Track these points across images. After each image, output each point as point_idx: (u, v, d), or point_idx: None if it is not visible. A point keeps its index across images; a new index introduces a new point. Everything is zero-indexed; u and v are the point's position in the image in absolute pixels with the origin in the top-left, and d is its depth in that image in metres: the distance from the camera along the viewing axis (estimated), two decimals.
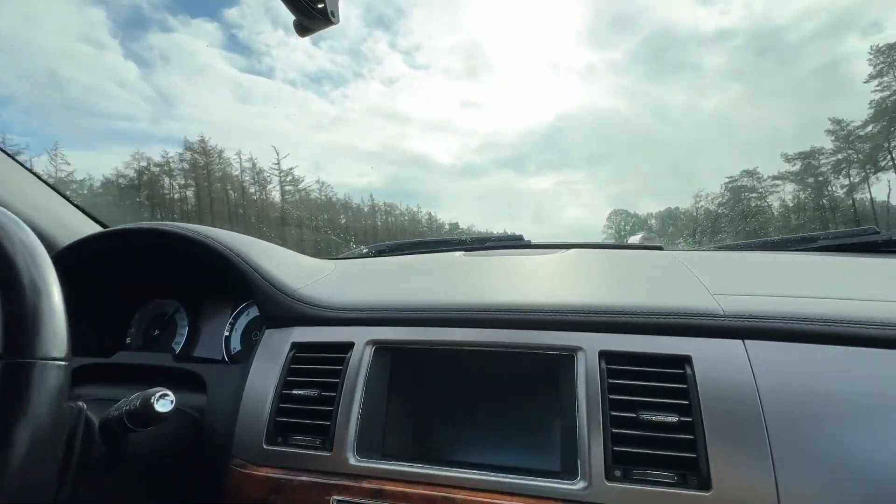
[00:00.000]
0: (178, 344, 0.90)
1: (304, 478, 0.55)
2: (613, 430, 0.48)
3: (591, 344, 0.54)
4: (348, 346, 0.62)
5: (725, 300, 0.56)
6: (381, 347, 0.61)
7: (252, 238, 0.88)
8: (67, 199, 1.02)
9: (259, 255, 0.76)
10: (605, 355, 0.53)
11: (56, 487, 0.42)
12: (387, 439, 0.58)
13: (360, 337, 0.62)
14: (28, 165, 0.96)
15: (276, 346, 0.66)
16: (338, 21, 0.60)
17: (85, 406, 0.47)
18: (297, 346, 0.65)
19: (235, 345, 0.88)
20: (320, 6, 0.58)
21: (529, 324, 0.58)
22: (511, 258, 0.93)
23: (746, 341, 0.50)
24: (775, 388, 0.46)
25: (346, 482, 0.53)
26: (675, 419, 0.47)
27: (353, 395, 0.57)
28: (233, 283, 0.73)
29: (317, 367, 0.62)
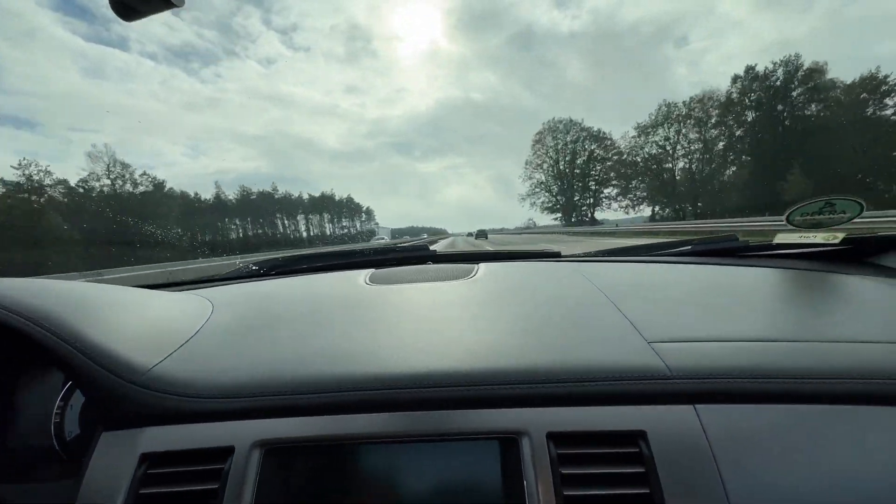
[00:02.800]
0: None
1: None
2: None
3: (537, 424, 0.46)
4: (226, 453, 0.46)
5: (667, 353, 0.52)
6: (274, 449, 0.47)
7: (80, 286, 0.64)
8: None
9: (85, 317, 0.55)
10: (553, 437, 0.45)
11: None
12: None
13: (244, 437, 0.47)
14: None
15: (117, 460, 0.47)
16: (182, 3, 0.42)
17: None
18: (148, 459, 0.47)
19: (72, 428, 0.64)
20: None
21: (460, 402, 0.48)
22: (422, 290, 0.82)
23: (697, 406, 0.46)
24: (734, 458, 0.43)
25: None
26: None
27: None
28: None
29: (180, 488, 0.45)
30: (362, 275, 0.96)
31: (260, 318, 0.72)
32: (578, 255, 1.15)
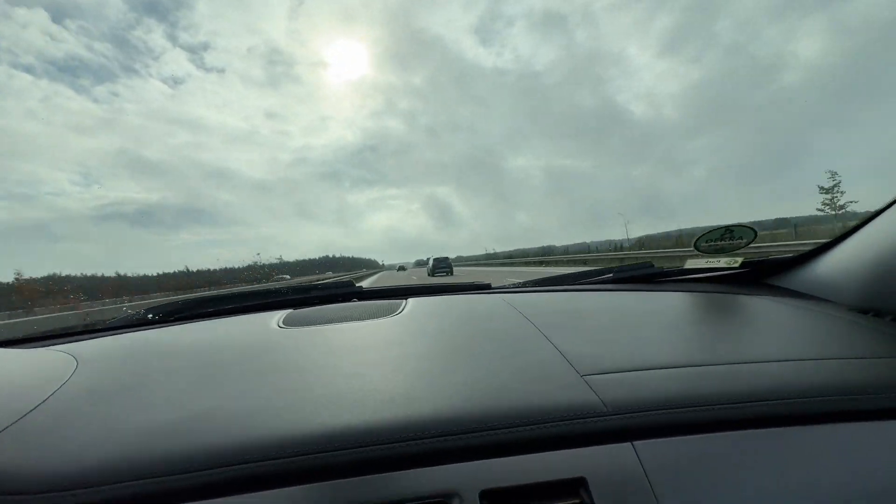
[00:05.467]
0: None
1: None
2: None
3: (469, 483, 0.40)
4: None
5: (600, 385, 0.50)
6: None
7: None
8: None
9: None
10: (486, 496, 0.40)
11: None
12: None
13: None
14: None
15: None
16: None
17: None
18: None
19: None
20: None
21: (382, 464, 0.41)
22: (343, 330, 0.75)
23: (636, 443, 0.44)
24: (674, 495, 0.40)
25: None
26: None
27: None
28: None
29: None
30: (276, 317, 0.86)
31: (137, 375, 0.59)
32: (508, 287, 1.14)
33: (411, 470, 0.41)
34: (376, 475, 0.40)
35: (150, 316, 1.01)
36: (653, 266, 1.16)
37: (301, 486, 0.39)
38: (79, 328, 0.96)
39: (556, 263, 31.07)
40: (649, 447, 0.43)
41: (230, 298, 1.12)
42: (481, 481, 0.40)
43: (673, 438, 0.44)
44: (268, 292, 1.15)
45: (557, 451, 0.43)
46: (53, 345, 0.77)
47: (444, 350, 0.63)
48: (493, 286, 1.14)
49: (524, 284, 1.18)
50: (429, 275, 27.68)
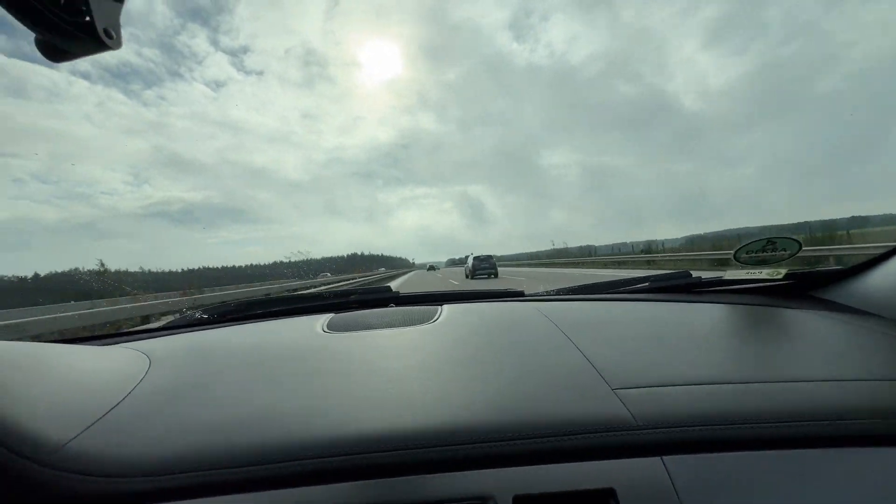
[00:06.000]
0: None
1: None
2: None
3: (503, 488, 0.43)
4: None
5: (632, 400, 0.51)
6: None
7: None
8: None
9: None
10: (519, 501, 0.42)
11: None
12: None
13: None
14: None
15: None
16: (118, 45, 0.39)
17: None
18: None
19: None
20: (85, 20, 0.37)
21: (420, 466, 0.45)
22: (382, 337, 0.79)
23: (664, 458, 0.45)
24: None
25: None
26: None
27: None
28: None
29: None
30: (320, 321, 0.91)
31: (201, 373, 0.65)
32: (541, 295, 1.16)
33: (448, 473, 0.44)
34: (416, 476, 0.44)
35: (206, 316, 1.10)
36: (690, 275, 1.15)
37: (350, 483, 0.44)
38: (144, 328, 1.05)
39: (597, 265, 27.35)
40: (679, 462, 0.44)
41: (277, 301, 1.20)
42: (515, 487, 0.43)
43: (705, 455, 0.45)
44: (312, 296, 1.22)
45: (587, 462, 0.45)
46: (124, 342, 0.85)
47: (479, 359, 0.66)
48: (525, 294, 1.16)
49: (557, 292, 1.19)
50: (467, 277, 22.25)
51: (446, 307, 0.98)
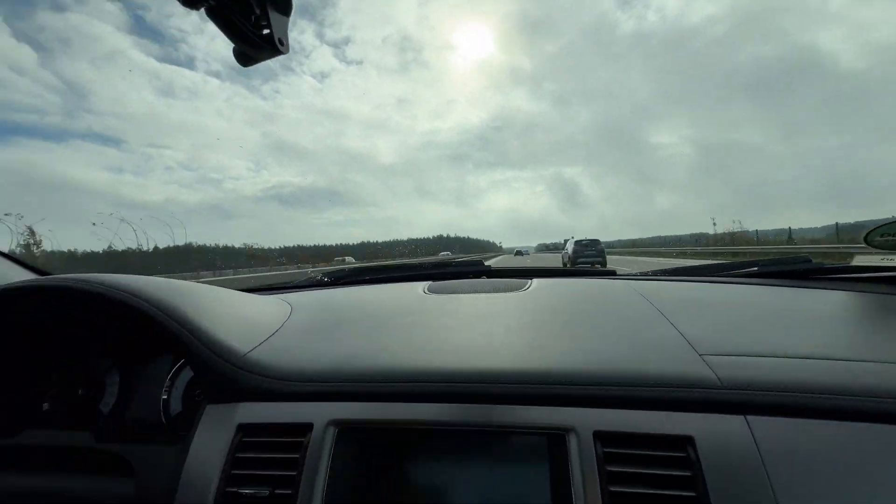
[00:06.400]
0: (107, 406, 0.77)
1: None
2: None
3: (584, 423, 0.49)
4: (306, 429, 0.53)
5: (719, 365, 0.53)
6: (346, 429, 0.53)
7: (192, 284, 0.77)
8: None
9: (196, 308, 0.65)
10: (600, 436, 0.48)
11: None
12: None
13: (321, 416, 0.54)
14: None
15: (219, 427, 0.56)
16: (287, 50, 0.51)
17: None
18: (243, 429, 0.55)
19: (176, 406, 0.75)
20: (265, 33, 0.49)
21: (509, 398, 0.52)
22: (477, 300, 0.87)
23: (749, 417, 0.47)
24: (786, 470, 0.43)
25: None
26: None
27: (312, 490, 0.49)
28: (167, 338, 0.62)
29: (268, 455, 0.53)
30: (420, 286, 1.03)
31: (332, 319, 0.80)
32: (636, 274, 1.15)
33: (537, 406, 0.51)
34: (508, 406, 0.52)
35: (327, 279, 1.29)
36: (810, 261, 1.04)
37: (450, 405, 0.53)
38: (282, 284, 1.27)
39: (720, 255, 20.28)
40: (764, 423, 0.46)
41: (383, 269, 1.35)
42: (596, 424, 0.48)
43: (794, 419, 0.46)
44: (411, 266, 1.35)
45: (669, 413, 0.48)
46: (273, 294, 1.06)
47: (567, 321, 0.71)
48: (618, 273, 1.16)
49: (654, 273, 1.17)
50: (566, 265, 15.93)
51: (536, 280, 1.04)
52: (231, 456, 0.53)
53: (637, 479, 0.45)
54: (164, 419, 0.75)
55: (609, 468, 0.46)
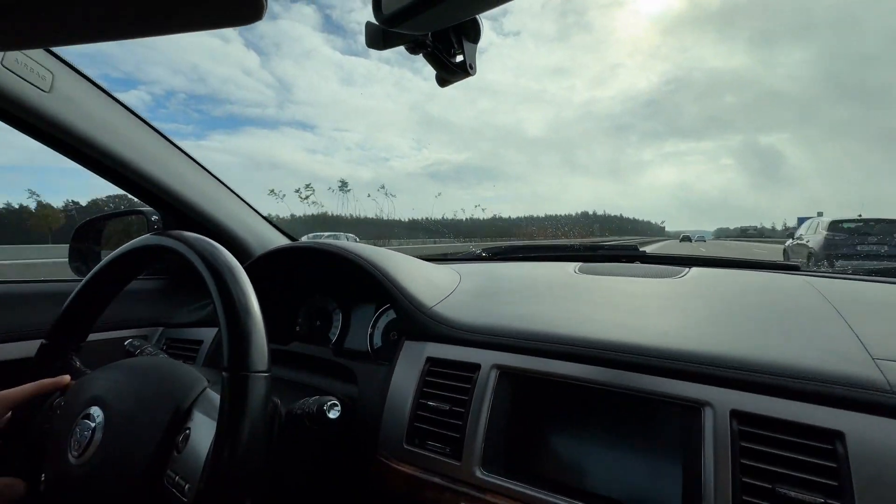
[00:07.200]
0: (334, 335, 1.08)
1: (436, 480, 0.65)
2: (744, 498, 0.47)
3: (721, 400, 0.53)
4: (475, 367, 0.70)
5: (893, 370, 0.49)
6: (505, 372, 0.68)
7: (391, 252, 1.01)
8: (259, 214, 1.33)
9: (398, 271, 0.88)
10: (736, 415, 0.51)
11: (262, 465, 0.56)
12: (509, 457, 0.65)
13: (487, 360, 0.69)
14: (230, 186, 1.23)
15: (414, 358, 0.77)
16: (475, 73, 0.65)
17: (279, 403, 0.62)
18: (431, 361, 0.74)
19: (377, 341, 1.02)
20: (458, 60, 0.63)
21: (650, 369, 0.59)
22: (626, 283, 0.91)
23: None
24: None
25: (473, 492, 0.61)
26: (820, 500, 0.44)
27: (479, 413, 0.65)
28: (376, 290, 0.86)
29: (448, 382, 0.71)
30: (572, 266, 1.11)
31: (493, 287, 0.96)
32: (824, 272, 1.01)
33: (670, 379, 0.56)
34: (649, 376, 0.58)
35: (485, 254, 1.46)
36: None
37: (592, 366, 0.62)
38: (453, 255, 1.50)
39: None
40: None
41: (535, 248, 1.46)
42: (734, 403, 0.52)
43: None
44: (563, 247, 1.43)
45: (819, 406, 0.49)
46: (445, 263, 1.28)
47: (721, 309, 0.72)
48: (801, 268, 1.03)
49: (844, 271, 1.00)
50: (809, 261, 8.54)
51: (695, 269, 1.01)
52: (422, 378, 0.73)
53: (772, 459, 0.48)
54: (369, 349, 1.02)
55: (743, 444, 0.49)
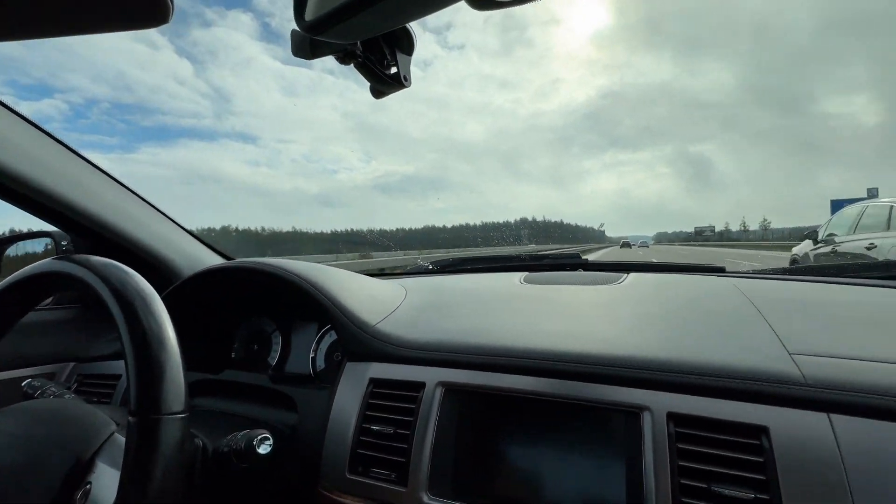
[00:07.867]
0: (273, 359, 1.02)
1: None
2: (683, 500, 0.48)
3: (658, 404, 0.54)
4: (420, 386, 0.67)
5: (807, 364, 0.53)
6: (451, 389, 0.66)
7: (331, 269, 0.97)
8: (190, 232, 1.24)
9: (338, 288, 0.84)
10: (673, 417, 0.53)
11: None
12: (457, 478, 0.62)
13: (432, 378, 0.67)
14: (154, 204, 1.13)
15: (356, 380, 0.73)
16: (409, 84, 0.64)
17: (204, 441, 0.56)
18: (374, 382, 0.71)
19: (320, 363, 0.97)
20: (392, 72, 0.62)
21: (593, 377, 0.59)
22: (570, 291, 0.93)
23: (832, 415, 0.48)
24: (867, 469, 0.44)
25: None
26: (751, 496, 0.46)
27: (424, 434, 0.63)
28: (316, 309, 0.81)
29: (392, 403, 0.68)
30: (518, 276, 1.12)
31: (439, 301, 0.94)
32: (747, 272, 1.09)
33: (616, 386, 0.58)
34: (589, 384, 0.59)
35: (432, 267, 1.45)
36: None
37: (537, 378, 0.62)
38: (397, 271, 1.47)
39: None
40: (849, 423, 0.47)
41: (482, 259, 1.47)
42: (670, 406, 0.53)
43: (881, 422, 0.46)
44: (509, 257, 1.45)
45: (745, 403, 0.51)
46: (390, 279, 1.24)
47: (656, 314, 0.75)
48: (727, 270, 1.11)
49: (770, 271, 1.09)
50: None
51: (633, 274, 1.05)
52: (365, 401, 0.70)
53: (706, 459, 0.49)
54: (311, 372, 0.97)
55: (680, 446, 0.51)
